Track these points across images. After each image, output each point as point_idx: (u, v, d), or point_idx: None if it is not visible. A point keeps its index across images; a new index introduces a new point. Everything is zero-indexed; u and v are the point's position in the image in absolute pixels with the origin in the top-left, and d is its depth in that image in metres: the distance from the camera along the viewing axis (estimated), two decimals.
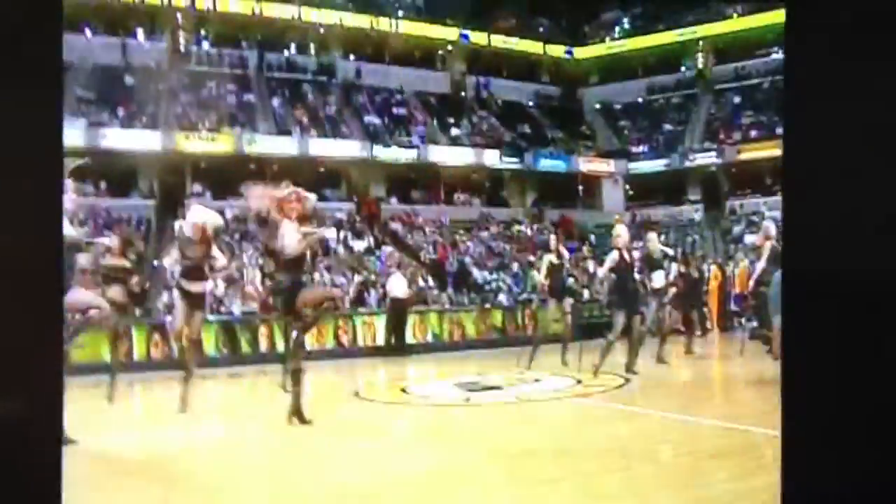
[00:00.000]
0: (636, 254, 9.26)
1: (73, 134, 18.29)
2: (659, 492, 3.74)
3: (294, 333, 5.65)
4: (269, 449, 5.02)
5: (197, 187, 20.24)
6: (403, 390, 7.89)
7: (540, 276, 9.78)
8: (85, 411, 5.72)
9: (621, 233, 8.36)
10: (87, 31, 22.00)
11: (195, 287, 6.33)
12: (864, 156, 2.00)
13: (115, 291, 6.78)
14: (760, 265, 9.57)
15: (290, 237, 5.39)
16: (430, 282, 16.37)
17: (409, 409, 6.99)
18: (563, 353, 9.53)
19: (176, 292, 6.54)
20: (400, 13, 27.20)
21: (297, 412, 5.45)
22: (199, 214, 6.45)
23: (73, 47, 20.91)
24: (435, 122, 25.31)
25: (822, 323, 2.08)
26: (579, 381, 7.97)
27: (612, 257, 8.14)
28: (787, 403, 2.13)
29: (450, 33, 27.34)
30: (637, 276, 8.57)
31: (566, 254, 10.20)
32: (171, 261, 6.63)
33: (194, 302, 6.35)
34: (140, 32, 23.13)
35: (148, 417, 7.21)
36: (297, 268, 5.52)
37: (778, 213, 21.87)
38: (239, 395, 9.05)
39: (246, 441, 5.37)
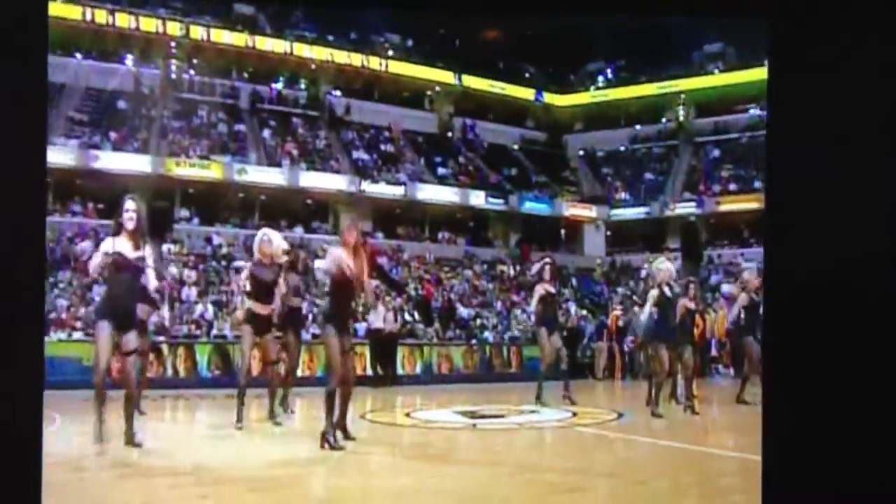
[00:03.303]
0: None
1: (65, 154, 18.31)
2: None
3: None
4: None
5: (185, 212, 20.23)
6: (407, 415, 7.96)
7: (532, 306, 9.59)
8: None
9: (661, 267, 8.07)
10: (79, 55, 22.04)
11: (264, 310, 6.75)
12: (839, 195, 2.21)
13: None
14: (734, 312, 9.89)
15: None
16: (416, 316, 16.45)
17: (419, 431, 7.07)
18: (566, 388, 9.30)
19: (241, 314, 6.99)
20: (390, 53, 27.75)
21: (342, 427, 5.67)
22: (277, 237, 6.89)
23: (66, 69, 21.02)
24: (422, 160, 25.71)
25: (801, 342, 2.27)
26: (575, 414, 8.10)
27: (653, 294, 7.92)
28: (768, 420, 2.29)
29: (437, 75, 27.90)
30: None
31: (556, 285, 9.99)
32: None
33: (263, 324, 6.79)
34: (134, 58, 23.23)
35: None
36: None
37: (754, 265, 22.52)
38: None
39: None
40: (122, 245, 5.20)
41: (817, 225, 2.22)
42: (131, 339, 5.27)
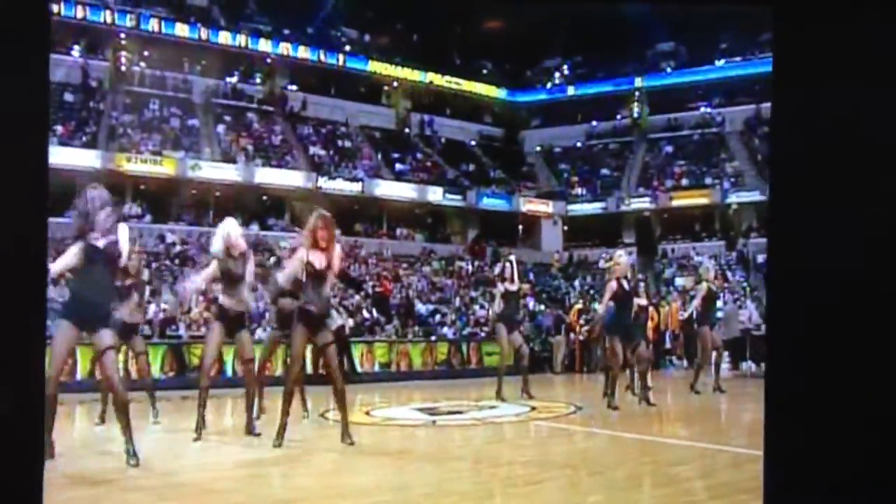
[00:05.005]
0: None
1: None
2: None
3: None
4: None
5: (136, 209, 19.75)
6: (367, 413, 7.92)
7: (495, 306, 9.60)
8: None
9: (620, 261, 7.97)
10: None
11: (239, 306, 6.10)
12: (841, 182, 2.23)
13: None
14: (695, 303, 10.08)
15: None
16: (375, 313, 16.37)
17: (379, 429, 7.04)
18: (525, 385, 9.22)
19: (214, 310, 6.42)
20: (347, 48, 27.54)
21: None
22: (237, 227, 6.17)
23: None
24: (380, 156, 25.59)
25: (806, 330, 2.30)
26: (533, 408, 8.17)
27: (611, 287, 7.79)
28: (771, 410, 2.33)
29: (395, 70, 27.78)
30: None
31: (518, 283, 9.85)
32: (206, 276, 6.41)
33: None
34: (81, 49, 22.55)
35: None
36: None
37: (705, 259, 23.05)
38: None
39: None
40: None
41: (822, 218, 2.19)
42: (105, 337, 4.56)
